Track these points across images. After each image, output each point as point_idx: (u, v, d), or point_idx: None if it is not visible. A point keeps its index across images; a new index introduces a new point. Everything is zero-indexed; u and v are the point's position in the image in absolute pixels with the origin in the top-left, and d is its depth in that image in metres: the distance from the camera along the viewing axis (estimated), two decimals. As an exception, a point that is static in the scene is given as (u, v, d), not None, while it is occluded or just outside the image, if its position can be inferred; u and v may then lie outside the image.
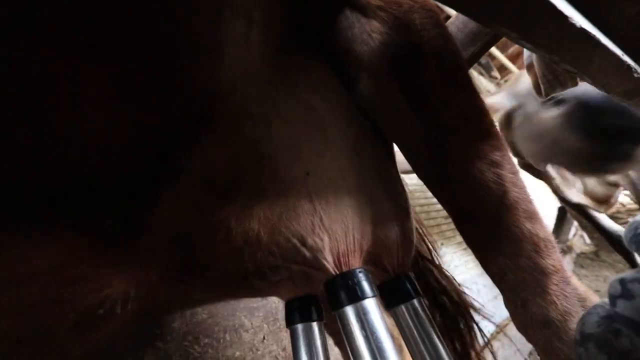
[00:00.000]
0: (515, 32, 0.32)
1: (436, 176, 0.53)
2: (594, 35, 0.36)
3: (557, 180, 2.00)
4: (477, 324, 0.77)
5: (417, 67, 0.48)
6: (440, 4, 0.34)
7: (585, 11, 0.38)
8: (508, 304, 0.50)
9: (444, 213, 0.73)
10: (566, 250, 3.73)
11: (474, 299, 0.80)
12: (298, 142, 0.43)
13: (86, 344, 0.36)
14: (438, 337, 0.49)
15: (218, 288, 0.45)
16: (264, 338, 1.04)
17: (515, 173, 0.50)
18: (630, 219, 0.36)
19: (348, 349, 0.38)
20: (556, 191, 2.28)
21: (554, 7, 0.30)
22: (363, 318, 0.38)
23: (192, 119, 0.35)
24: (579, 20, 0.33)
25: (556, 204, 3.34)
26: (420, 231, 0.84)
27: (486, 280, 2.35)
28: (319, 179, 0.44)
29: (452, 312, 0.74)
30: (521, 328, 0.49)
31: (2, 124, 0.24)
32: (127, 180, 0.32)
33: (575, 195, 2.04)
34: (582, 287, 0.47)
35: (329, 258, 0.43)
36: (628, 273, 0.30)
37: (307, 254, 0.42)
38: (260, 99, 0.41)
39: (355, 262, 0.46)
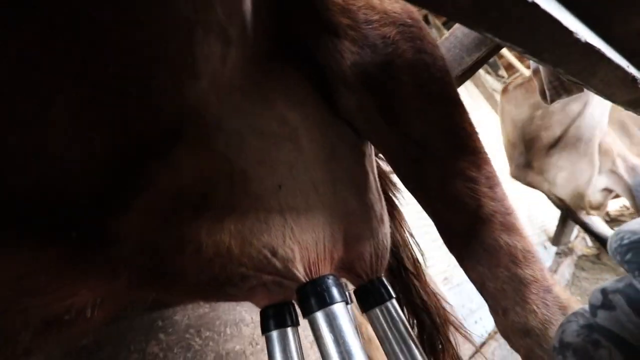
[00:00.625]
0: (520, 47, 0.32)
1: (415, 188, 0.55)
2: (599, 49, 0.36)
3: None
4: (455, 342, 0.77)
5: (390, 82, 0.49)
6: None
7: (593, 25, 0.39)
8: (491, 311, 0.51)
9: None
10: (567, 252, 3.73)
11: (454, 317, 0.80)
12: (271, 156, 0.44)
13: (56, 344, 0.36)
14: (411, 338, 0.51)
15: (193, 294, 0.45)
16: (263, 332, 1.06)
17: (493, 187, 0.51)
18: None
19: (319, 350, 0.39)
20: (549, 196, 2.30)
21: (559, 23, 0.30)
22: (332, 322, 0.39)
23: (164, 132, 0.35)
24: (584, 34, 0.33)
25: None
26: (408, 240, 0.84)
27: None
28: (291, 192, 0.45)
29: (431, 331, 0.75)
30: (504, 335, 0.50)
31: None
32: (96, 192, 0.32)
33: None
34: (565, 295, 0.48)
35: (300, 267, 0.44)
36: (610, 283, 0.30)
37: (278, 264, 0.43)
38: (235, 114, 0.41)
39: (326, 270, 0.47)
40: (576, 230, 3.75)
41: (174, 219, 0.37)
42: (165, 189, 0.36)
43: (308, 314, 0.41)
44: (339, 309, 0.41)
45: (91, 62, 0.26)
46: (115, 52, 0.27)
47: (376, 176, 0.63)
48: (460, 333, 0.78)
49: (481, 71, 4.36)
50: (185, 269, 0.39)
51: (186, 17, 0.29)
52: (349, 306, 0.52)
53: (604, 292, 0.30)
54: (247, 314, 1.05)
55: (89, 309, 0.36)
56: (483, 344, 1.91)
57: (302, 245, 0.45)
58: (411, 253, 0.83)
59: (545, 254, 3.66)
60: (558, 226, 3.57)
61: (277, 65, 0.49)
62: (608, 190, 1.95)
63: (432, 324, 0.75)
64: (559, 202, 2.23)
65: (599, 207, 1.99)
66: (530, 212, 4.11)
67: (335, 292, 0.42)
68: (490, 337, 2.01)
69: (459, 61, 0.78)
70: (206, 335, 0.94)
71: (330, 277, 0.44)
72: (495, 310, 0.50)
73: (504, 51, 4.86)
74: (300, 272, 0.44)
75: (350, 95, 0.51)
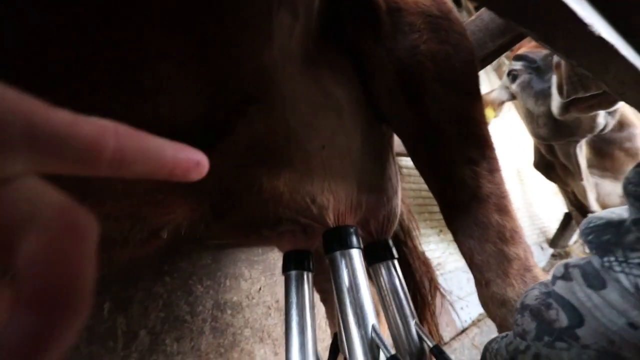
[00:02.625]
0: (536, 33, 0.33)
1: (425, 165, 0.61)
2: (612, 45, 0.37)
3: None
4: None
5: (415, 66, 0.54)
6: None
7: (612, 18, 0.39)
8: (476, 283, 0.58)
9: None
10: (563, 255, 3.76)
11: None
12: (318, 121, 0.50)
13: (137, 255, 0.45)
14: (404, 292, 0.60)
15: (232, 232, 0.53)
16: (260, 289, 1.12)
17: (492, 171, 0.57)
18: None
19: (334, 284, 0.47)
20: (569, 196, 2.27)
21: (574, 14, 0.31)
22: (348, 262, 0.48)
23: (242, 96, 0.40)
24: (598, 28, 0.35)
25: (563, 209, 3.32)
26: (408, 221, 0.92)
27: (478, 271, 2.41)
28: (331, 152, 0.51)
29: (417, 287, 0.85)
30: (483, 304, 0.57)
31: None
32: (196, 133, 0.39)
33: (592, 202, 2.03)
34: (543, 277, 0.53)
35: (331, 215, 0.53)
36: (573, 259, 0.35)
37: (315, 210, 0.51)
38: (293, 82, 0.46)
39: (350, 221, 0.57)
40: (576, 235, 3.76)
41: (245, 163, 0.44)
42: (240, 139, 0.42)
43: (330, 252, 0.50)
44: (355, 253, 0.50)
45: (198, 29, 0.32)
46: (215, 19, 0.32)
47: (394, 155, 0.71)
48: (441, 293, 0.87)
49: (503, 57, 4.21)
50: (246, 206, 0.47)
51: None
52: None
53: (566, 265, 0.35)
54: (247, 270, 1.12)
55: (170, 229, 0.44)
56: (465, 329, 1.99)
57: (335, 197, 0.53)
58: (410, 224, 0.90)
59: (541, 255, 3.70)
60: (559, 229, 3.58)
61: (327, 47, 0.54)
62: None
63: (420, 282, 0.84)
64: (575, 202, 2.20)
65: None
66: (533, 213, 4.11)
67: (354, 239, 0.51)
68: (473, 323, 2.09)
69: (482, 45, 0.78)
70: (207, 283, 1.01)
71: (352, 227, 0.53)
72: (480, 281, 0.56)
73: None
74: (330, 219, 0.52)
75: (383, 78, 0.57)
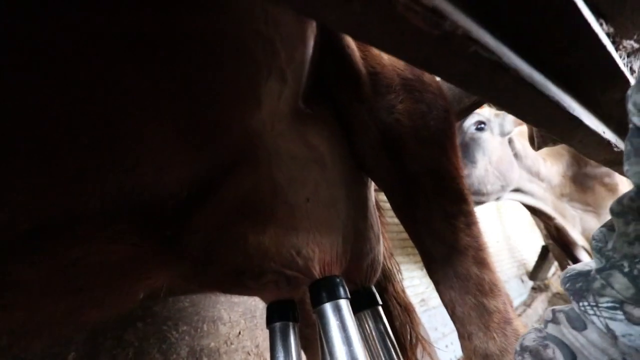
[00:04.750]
0: (506, 109, 0.36)
1: (405, 217, 0.63)
2: (578, 117, 0.41)
3: (559, 219, 2.07)
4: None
5: (394, 124, 0.58)
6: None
7: (577, 94, 0.43)
8: (459, 336, 0.59)
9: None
10: (543, 288, 3.81)
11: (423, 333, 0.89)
12: (302, 175, 0.51)
13: (110, 314, 0.45)
14: (390, 339, 0.61)
15: (214, 283, 0.52)
16: (239, 333, 1.07)
17: (470, 225, 0.59)
18: None
19: (324, 337, 0.47)
20: (549, 230, 2.34)
21: (543, 94, 0.34)
22: (338, 313, 0.48)
23: (230, 161, 0.41)
24: (566, 103, 0.38)
25: (540, 242, 3.42)
26: (390, 264, 0.92)
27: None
28: (316, 204, 0.52)
29: (400, 333, 0.84)
30: (467, 358, 0.57)
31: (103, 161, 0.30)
32: (179, 205, 0.39)
33: (577, 235, 2.10)
34: (523, 329, 0.54)
35: (317, 266, 0.53)
36: (559, 306, 0.39)
37: (300, 262, 0.51)
38: (279, 140, 0.48)
39: (336, 271, 0.57)
40: (553, 268, 3.84)
41: (230, 222, 0.44)
42: (226, 199, 0.43)
43: (318, 304, 0.49)
44: (344, 303, 0.49)
45: (186, 97, 0.33)
46: (204, 87, 0.33)
47: (374, 205, 0.73)
48: (422, 344, 0.86)
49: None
50: (230, 262, 0.47)
51: (259, 60, 0.36)
52: None
53: (553, 311, 0.38)
54: (226, 313, 1.07)
55: (149, 291, 0.44)
56: (451, 368, 1.95)
57: (320, 248, 0.53)
58: (392, 268, 0.90)
59: (522, 287, 3.74)
60: (537, 262, 3.66)
61: (312, 105, 0.57)
62: None
63: (399, 332, 0.83)
64: (556, 236, 2.26)
65: None
66: (512, 245, 4.20)
67: (341, 289, 0.51)
68: (460, 362, 2.05)
69: (458, 101, 0.84)
70: (183, 329, 0.96)
71: (338, 277, 0.53)
72: (462, 334, 0.56)
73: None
74: (316, 270, 0.52)
75: (365, 135, 0.60)
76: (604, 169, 1.96)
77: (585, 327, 0.33)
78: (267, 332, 0.58)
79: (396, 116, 0.57)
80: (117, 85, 0.28)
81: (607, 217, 0.37)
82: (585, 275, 0.36)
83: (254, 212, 0.46)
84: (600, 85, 0.46)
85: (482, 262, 0.57)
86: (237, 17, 0.33)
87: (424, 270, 2.32)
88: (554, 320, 0.38)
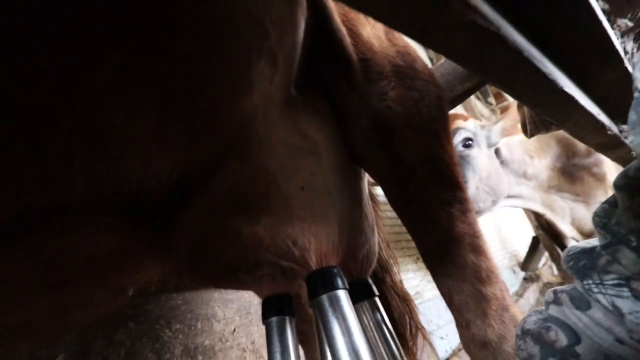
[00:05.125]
0: (503, 88, 0.35)
1: (400, 207, 0.62)
2: (573, 96, 0.40)
3: (549, 214, 2.10)
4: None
5: (386, 111, 0.57)
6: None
7: (572, 73, 0.43)
8: (457, 324, 0.58)
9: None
10: (534, 278, 3.88)
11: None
12: (296, 163, 0.50)
13: (99, 313, 0.43)
14: (388, 330, 0.59)
15: (207, 278, 0.51)
16: (234, 330, 1.06)
17: (465, 212, 0.59)
18: None
19: (323, 329, 0.45)
20: (540, 221, 2.37)
21: (539, 70, 0.33)
22: (336, 305, 0.45)
23: (220, 149, 0.40)
24: (562, 82, 0.37)
25: (531, 233, 3.47)
26: (387, 255, 0.92)
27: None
28: (310, 193, 0.51)
29: (398, 324, 0.83)
30: (465, 346, 0.56)
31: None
32: (169, 195, 0.37)
33: (566, 227, 2.13)
34: (521, 316, 0.54)
35: (313, 257, 0.51)
36: (561, 286, 0.38)
37: (297, 252, 0.49)
38: (271, 128, 0.46)
39: (333, 262, 0.55)
40: (544, 258, 3.91)
41: (222, 213, 0.43)
42: (218, 190, 0.41)
43: (315, 296, 0.47)
44: (342, 294, 0.47)
45: (172, 80, 0.31)
46: (193, 68, 0.31)
47: (368, 196, 0.72)
48: (422, 333, 0.86)
49: (472, 97, 4.52)
50: (224, 255, 0.45)
51: (249, 43, 0.35)
52: None
53: (555, 291, 0.37)
54: (220, 310, 1.05)
55: (139, 287, 0.42)
56: (447, 359, 1.96)
57: (317, 238, 0.52)
58: (389, 259, 0.90)
59: (513, 278, 3.80)
60: (528, 252, 3.72)
61: (305, 92, 0.56)
62: None
63: (398, 321, 0.82)
64: (547, 227, 2.28)
65: (590, 235, 2.07)
66: (503, 237, 4.26)
67: (339, 280, 0.49)
68: (454, 354, 2.07)
69: (451, 88, 0.83)
70: (176, 327, 0.94)
71: (336, 268, 0.51)
72: (460, 323, 0.55)
73: (495, 80, 5.05)
74: (312, 261, 0.51)
75: (357, 122, 0.58)
76: (592, 159, 1.99)
77: (589, 307, 0.33)
78: (263, 328, 0.56)
79: (388, 103, 0.56)
80: (98, 66, 0.26)
81: (596, 206, 0.37)
82: (589, 252, 0.35)
83: (248, 202, 0.44)
84: (595, 64, 0.45)
85: (478, 249, 0.56)
86: None
87: (418, 264, 2.34)
88: (556, 302, 0.37)
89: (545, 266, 4.23)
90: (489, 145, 1.77)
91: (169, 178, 0.34)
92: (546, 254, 3.44)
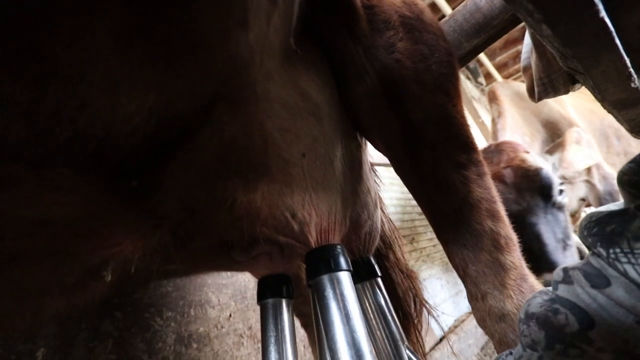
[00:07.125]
0: (541, 14, 0.30)
1: (409, 173, 0.57)
2: (611, 31, 0.35)
3: None
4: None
5: (394, 65, 0.51)
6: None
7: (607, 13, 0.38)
8: (470, 298, 0.54)
9: (419, 209, 0.75)
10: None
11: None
12: (296, 126, 0.44)
13: (74, 303, 0.35)
14: (391, 314, 0.56)
15: (197, 259, 0.46)
16: (230, 315, 1.01)
17: (481, 175, 0.54)
18: None
19: (320, 314, 0.40)
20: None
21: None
22: (337, 287, 0.41)
23: (210, 92, 0.33)
24: (603, 13, 0.32)
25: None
26: (390, 232, 0.88)
27: (449, 277, 2.45)
28: (312, 161, 0.46)
29: (402, 303, 0.80)
30: (480, 320, 0.52)
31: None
32: (147, 145, 0.30)
33: None
34: (539, 286, 0.51)
35: (313, 232, 0.46)
36: (571, 263, 0.34)
37: (296, 226, 0.44)
38: (268, 81, 0.40)
39: (334, 239, 0.50)
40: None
41: (214, 175, 0.37)
42: (207, 146, 0.34)
43: (315, 276, 0.43)
44: (345, 277, 0.43)
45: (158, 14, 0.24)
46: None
47: (370, 169, 0.69)
48: (427, 308, 0.83)
49: (462, 76, 4.48)
50: (216, 227, 0.40)
51: None
52: None
53: (564, 269, 0.33)
54: (214, 296, 1.00)
55: (116, 267, 0.35)
56: (443, 337, 1.98)
57: (317, 211, 0.47)
58: (392, 235, 0.87)
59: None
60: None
61: (304, 48, 0.50)
62: (582, 199, 2.04)
63: (403, 299, 0.79)
64: None
65: (574, 215, 2.07)
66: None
67: (342, 260, 0.44)
68: (450, 331, 2.09)
69: (458, 46, 0.77)
70: (168, 315, 0.88)
71: (338, 246, 0.46)
72: (475, 295, 0.52)
73: (484, 60, 5.02)
74: (312, 237, 0.47)
75: (361, 80, 0.53)
76: (575, 136, 1.96)
77: (608, 284, 0.28)
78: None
79: (396, 56, 0.50)
80: None
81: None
82: (620, 215, 0.30)
83: (242, 164, 0.38)
84: (626, 2, 0.40)
85: (496, 215, 0.52)
86: None
87: (413, 244, 2.31)
88: (566, 280, 0.32)
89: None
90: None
91: (146, 122, 0.27)
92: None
